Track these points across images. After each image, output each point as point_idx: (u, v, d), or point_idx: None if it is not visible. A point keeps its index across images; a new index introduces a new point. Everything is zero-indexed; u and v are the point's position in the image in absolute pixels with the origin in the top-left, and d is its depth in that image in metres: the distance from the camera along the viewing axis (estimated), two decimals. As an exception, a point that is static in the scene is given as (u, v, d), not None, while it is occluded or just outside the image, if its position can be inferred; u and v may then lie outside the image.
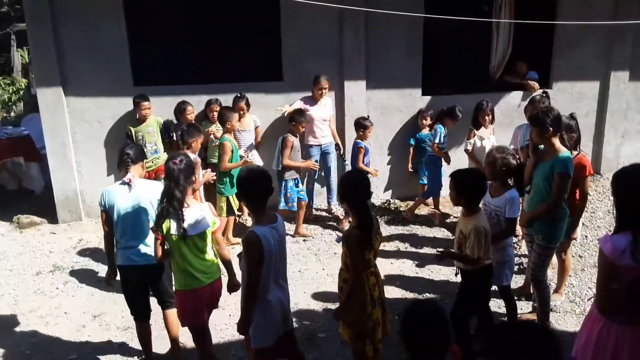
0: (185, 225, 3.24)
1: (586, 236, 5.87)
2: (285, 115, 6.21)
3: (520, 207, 4.04)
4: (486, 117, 5.99)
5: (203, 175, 5.27)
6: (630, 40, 7.13)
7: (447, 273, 5.12)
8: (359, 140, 6.06)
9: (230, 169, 5.59)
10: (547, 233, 3.93)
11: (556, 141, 3.86)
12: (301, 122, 5.86)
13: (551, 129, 3.78)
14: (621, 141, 7.56)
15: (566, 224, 4.02)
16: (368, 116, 6.32)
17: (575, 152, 4.24)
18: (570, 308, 4.58)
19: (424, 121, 6.50)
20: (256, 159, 6.18)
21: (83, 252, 5.84)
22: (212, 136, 6.05)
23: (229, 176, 5.63)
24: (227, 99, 6.34)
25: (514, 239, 4.87)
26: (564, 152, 3.84)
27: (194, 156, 4.95)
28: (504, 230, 3.77)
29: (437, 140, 6.18)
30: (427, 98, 6.88)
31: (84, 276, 5.31)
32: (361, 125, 6.04)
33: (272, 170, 5.66)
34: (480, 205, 3.66)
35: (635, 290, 2.51)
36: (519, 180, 3.92)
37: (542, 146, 3.97)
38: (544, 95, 5.51)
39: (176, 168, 3.28)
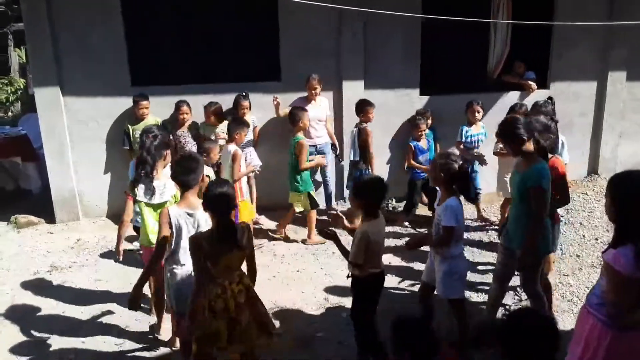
0: (150, 193, 3.84)
1: (584, 235, 5.88)
2: (282, 116, 6.27)
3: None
4: (476, 114, 6.07)
5: (247, 167, 5.51)
6: (627, 40, 7.14)
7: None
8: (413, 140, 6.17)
9: (306, 169, 5.68)
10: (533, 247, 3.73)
11: (531, 149, 3.68)
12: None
13: (525, 137, 3.61)
14: (618, 141, 7.58)
15: (550, 235, 3.88)
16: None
17: (550, 156, 4.03)
18: (568, 307, 4.59)
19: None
20: (254, 157, 6.19)
21: (80, 252, 5.83)
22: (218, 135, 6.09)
23: (304, 173, 5.72)
24: (224, 99, 6.34)
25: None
26: (537, 163, 3.65)
27: (235, 148, 5.31)
28: (439, 238, 3.66)
29: (459, 139, 6.11)
30: (425, 98, 6.89)
31: (82, 276, 5.30)
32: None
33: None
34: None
35: None
36: (463, 186, 3.71)
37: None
38: (549, 100, 5.31)
39: (148, 141, 3.86)
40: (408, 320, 2.57)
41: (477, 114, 6.10)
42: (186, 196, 3.40)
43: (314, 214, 5.86)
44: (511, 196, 3.97)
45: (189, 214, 3.36)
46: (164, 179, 3.90)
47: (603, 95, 7.35)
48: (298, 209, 5.85)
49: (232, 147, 5.35)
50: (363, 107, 6.05)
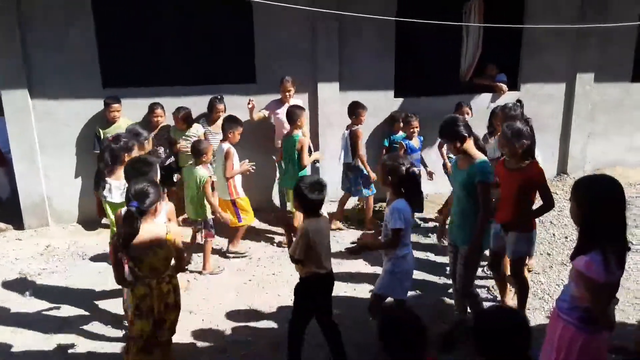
0: (105, 192, 4.03)
1: (554, 234, 6.01)
2: (256, 119, 6.30)
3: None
4: (465, 116, 6.10)
5: (240, 166, 5.53)
6: (595, 43, 7.33)
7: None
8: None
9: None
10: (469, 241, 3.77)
11: (471, 147, 3.75)
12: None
13: (465, 134, 3.69)
14: (587, 141, 7.76)
15: (491, 231, 3.92)
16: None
17: (527, 161, 4.00)
18: (540, 305, 4.68)
19: (400, 124, 6.43)
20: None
21: (50, 259, 5.70)
22: (183, 142, 6.03)
23: (303, 171, 5.77)
24: (197, 101, 6.29)
25: None
26: (480, 158, 3.74)
27: (228, 146, 5.40)
28: (388, 241, 3.71)
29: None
30: (400, 100, 6.95)
31: (52, 283, 5.18)
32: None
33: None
34: None
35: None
36: (410, 189, 3.72)
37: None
38: (517, 103, 5.29)
39: (107, 144, 4.15)
40: (397, 311, 2.62)
41: (466, 116, 6.09)
42: None
43: None
44: (454, 198, 3.97)
45: None
46: (119, 182, 4.02)
47: (572, 96, 7.53)
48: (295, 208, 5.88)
49: (225, 145, 5.44)
50: (355, 110, 6.10)
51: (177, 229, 3.50)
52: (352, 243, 5.51)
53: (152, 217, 3.19)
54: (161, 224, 3.30)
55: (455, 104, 6.40)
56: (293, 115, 5.71)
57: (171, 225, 3.37)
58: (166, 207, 3.81)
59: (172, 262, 3.31)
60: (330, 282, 3.67)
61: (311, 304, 3.63)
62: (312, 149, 6.56)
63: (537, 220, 4.25)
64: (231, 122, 5.55)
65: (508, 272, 4.40)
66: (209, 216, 5.25)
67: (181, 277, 4.91)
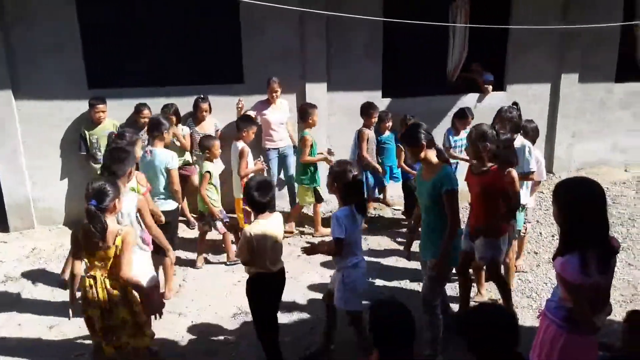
0: None
1: (541, 233, 6.07)
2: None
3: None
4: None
5: (255, 164, 5.60)
6: (580, 43, 7.41)
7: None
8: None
9: (310, 163, 5.83)
10: (438, 254, 3.66)
11: (431, 156, 3.65)
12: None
13: (424, 142, 3.59)
14: (572, 141, 7.86)
15: (459, 243, 3.82)
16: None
17: (489, 164, 3.96)
18: (527, 304, 4.73)
19: (387, 124, 6.40)
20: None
21: (36, 261, 5.62)
22: (174, 139, 5.97)
23: (310, 168, 5.90)
24: (185, 102, 6.25)
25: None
26: (443, 167, 3.65)
27: (242, 145, 5.50)
28: (329, 249, 3.66)
29: (447, 144, 6.17)
30: (387, 100, 6.97)
31: (38, 286, 5.11)
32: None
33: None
34: None
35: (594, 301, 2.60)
36: (355, 196, 3.62)
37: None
38: (514, 106, 5.07)
39: (112, 140, 4.36)
40: (388, 304, 2.67)
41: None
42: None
43: (318, 208, 6.10)
44: (422, 210, 3.83)
45: None
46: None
47: (557, 96, 7.61)
48: (302, 203, 6.12)
49: (239, 144, 5.51)
50: (367, 110, 6.11)
51: (132, 229, 3.45)
52: (308, 243, 5.70)
53: (111, 214, 3.29)
54: (115, 224, 3.34)
55: (450, 105, 6.41)
56: (304, 113, 5.83)
57: (126, 228, 3.37)
58: (135, 199, 3.80)
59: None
60: (277, 282, 3.66)
61: (260, 303, 3.64)
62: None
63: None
64: (246, 121, 5.61)
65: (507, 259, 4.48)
66: (218, 207, 5.32)
67: (174, 280, 4.94)
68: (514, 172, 4.11)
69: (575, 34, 7.20)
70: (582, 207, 2.57)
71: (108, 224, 3.21)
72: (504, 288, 4.32)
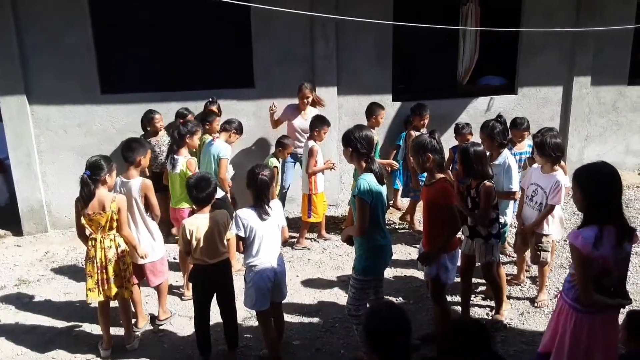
0: (168, 164, 5.05)
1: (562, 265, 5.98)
2: (275, 128, 6.39)
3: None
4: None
5: (325, 163, 5.81)
6: (591, 46, 7.36)
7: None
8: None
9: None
10: (356, 264, 3.65)
11: (357, 162, 3.62)
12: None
13: (355, 145, 3.54)
14: (584, 144, 7.80)
15: (383, 255, 3.69)
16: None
17: (439, 176, 3.71)
18: (532, 310, 4.67)
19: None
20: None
21: (49, 265, 5.68)
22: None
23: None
24: (197, 106, 6.29)
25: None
26: (362, 174, 3.58)
27: (313, 143, 5.63)
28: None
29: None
30: (398, 104, 6.97)
31: (51, 290, 5.16)
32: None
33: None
34: None
35: (604, 281, 2.70)
36: (257, 195, 3.68)
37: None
38: (499, 119, 4.71)
39: (177, 126, 4.95)
40: (381, 306, 2.72)
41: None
42: (128, 168, 4.22)
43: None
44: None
45: (123, 182, 4.19)
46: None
47: (569, 99, 7.56)
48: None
49: (310, 143, 5.69)
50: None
51: (123, 197, 3.97)
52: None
53: (103, 186, 3.83)
54: (108, 192, 3.88)
55: (461, 109, 6.37)
56: (370, 111, 5.98)
57: (119, 196, 3.94)
58: (138, 181, 4.18)
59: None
60: (213, 274, 3.80)
61: (195, 290, 3.91)
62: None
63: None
64: (319, 121, 5.71)
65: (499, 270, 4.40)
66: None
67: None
68: (488, 185, 3.95)
69: (587, 37, 7.15)
70: (601, 184, 2.72)
71: (101, 193, 3.79)
72: (498, 288, 4.34)
